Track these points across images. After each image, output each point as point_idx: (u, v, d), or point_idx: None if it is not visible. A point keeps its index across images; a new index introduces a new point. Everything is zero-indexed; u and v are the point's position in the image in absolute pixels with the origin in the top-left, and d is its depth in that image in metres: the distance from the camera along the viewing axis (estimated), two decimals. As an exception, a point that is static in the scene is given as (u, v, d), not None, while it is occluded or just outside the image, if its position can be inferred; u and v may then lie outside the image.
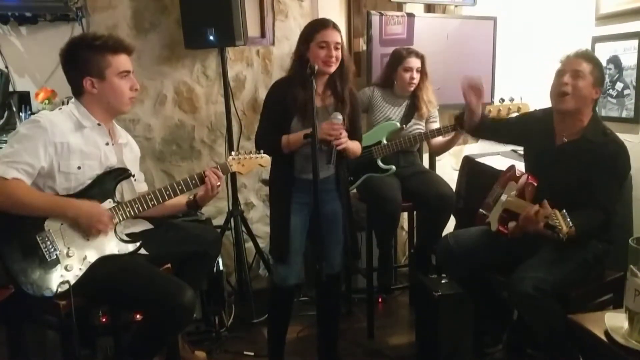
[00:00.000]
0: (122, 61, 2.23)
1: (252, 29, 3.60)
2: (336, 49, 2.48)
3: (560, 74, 2.43)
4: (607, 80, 3.12)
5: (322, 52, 2.47)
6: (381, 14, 3.64)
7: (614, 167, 2.34)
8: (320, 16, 3.69)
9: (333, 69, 2.51)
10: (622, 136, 2.95)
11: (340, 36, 2.52)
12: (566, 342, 2.22)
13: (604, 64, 3.12)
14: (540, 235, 2.30)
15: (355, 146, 2.64)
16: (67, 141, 2.12)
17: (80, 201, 2.13)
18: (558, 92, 2.42)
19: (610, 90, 3.12)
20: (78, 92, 2.23)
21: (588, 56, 2.43)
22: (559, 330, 2.22)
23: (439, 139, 3.29)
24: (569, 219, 2.11)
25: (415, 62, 3.18)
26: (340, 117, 2.45)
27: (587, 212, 2.27)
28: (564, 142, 2.47)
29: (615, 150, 2.35)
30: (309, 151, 2.36)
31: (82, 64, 2.18)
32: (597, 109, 3.15)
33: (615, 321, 1.95)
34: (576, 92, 2.38)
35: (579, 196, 2.28)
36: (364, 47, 3.79)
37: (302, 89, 2.46)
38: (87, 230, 2.13)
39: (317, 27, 2.52)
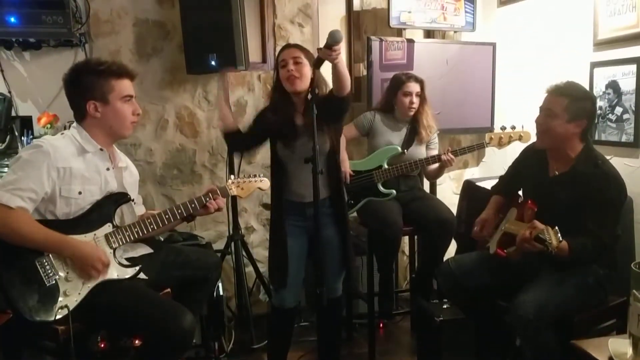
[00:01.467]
0: (126, 86, 2.25)
1: (254, 54, 3.63)
2: (296, 63, 2.50)
3: (540, 110, 2.46)
4: (606, 104, 3.14)
5: (283, 71, 2.53)
6: (381, 40, 3.68)
7: (605, 200, 2.32)
8: (322, 42, 3.72)
9: (299, 85, 2.50)
10: (621, 160, 2.98)
11: (301, 52, 2.54)
12: None
13: (602, 88, 3.15)
14: (534, 253, 2.29)
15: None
16: (70, 166, 2.13)
17: (82, 242, 2.12)
18: (536, 130, 2.47)
19: (610, 115, 3.13)
20: (80, 116, 2.24)
21: (562, 91, 2.40)
22: (556, 358, 2.20)
23: (432, 166, 3.30)
24: (559, 235, 2.13)
25: (414, 87, 3.20)
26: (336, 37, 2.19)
27: (583, 238, 2.28)
28: (555, 175, 2.48)
29: (605, 182, 2.32)
30: (302, 174, 2.37)
31: (86, 88, 2.20)
32: (596, 133, 3.18)
33: (619, 347, 1.93)
34: (549, 132, 2.39)
35: (573, 227, 2.28)
36: (364, 72, 3.82)
37: (273, 113, 2.55)
38: (79, 271, 2.11)
39: (279, 53, 2.62)
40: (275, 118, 2.53)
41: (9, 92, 3.26)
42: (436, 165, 3.25)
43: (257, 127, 2.63)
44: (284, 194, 2.59)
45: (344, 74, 2.35)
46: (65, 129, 3.07)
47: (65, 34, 3.17)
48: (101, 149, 2.24)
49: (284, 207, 2.59)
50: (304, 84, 2.48)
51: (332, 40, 2.12)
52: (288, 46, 2.63)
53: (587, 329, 2.37)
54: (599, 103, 3.16)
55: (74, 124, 2.27)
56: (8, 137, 3.14)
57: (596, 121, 3.19)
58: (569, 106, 2.36)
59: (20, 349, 2.33)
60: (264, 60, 3.78)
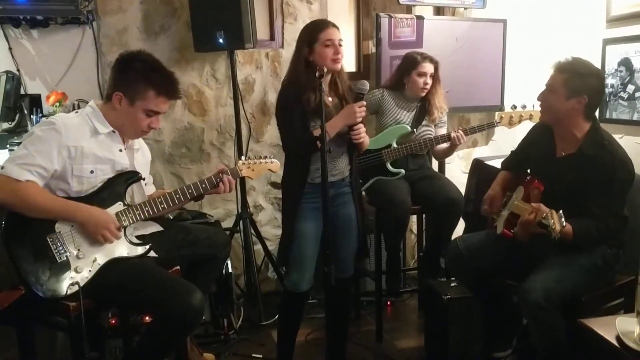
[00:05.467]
0: (159, 103, 2.22)
1: (262, 32, 3.61)
2: (340, 45, 2.50)
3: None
4: (617, 82, 3.10)
5: (329, 50, 2.47)
6: (390, 17, 3.64)
7: (611, 181, 2.29)
8: (330, 18, 3.71)
9: (340, 66, 2.52)
10: (633, 139, 2.95)
11: (340, 34, 2.54)
12: (568, 353, 2.21)
13: (614, 66, 3.11)
14: (536, 238, 2.29)
15: (367, 140, 2.64)
16: (81, 145, 2.13)
17: (91, 207, 2.14)
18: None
19: (622, 93, 3.10)
20: (107, 97, 2.25)
21: (561, 67, 2.38)
22: (562, 342, 2.22)
23: (441, 146, 3.28)
24: (563, 219, 2.12)
25: (429, 68, 3.17)
26: (366, 86, 2.47)
27: (587, 222, 2.27)
28: (562, 156, 2.46)
29: (611, 164, 2.29)
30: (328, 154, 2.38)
31: (125, 80, 2.19)
32: (607, 111, 3.16)
33: (627, 326, 1.93)
34: (549, 108, 2.39)
35: (579, 208, 2.27)
36: (373, 50, 3.79)
37: (312, 92, 2.44)
38: (93, 236, 2.13)
39: (318, 28, 2.52)
40: (314, 98, 2.43)
41: (18, 70, 3.26)
42: (445, 144, 3.24)
43: (305, 113, 2.48)
44: (307, 176, 2.52)
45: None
46: (74, 107, 3.09)
47: (72, 12, 3.15)
48: (113, 131, 2.24)
49: (304, 189, 2.54)
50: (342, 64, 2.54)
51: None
52: (329, 25, 2.53)
53: (594, 308, 2.37)
54: (611, 81, 3.13)
55: (90, 103, 2.27)
56: (17, 115, 3.16)
57: (607, 99, 3.16)
58: (568, 82, 2.34)
59: (32, 324, 2.37)
60: (272, 38, 3.75)
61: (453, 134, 3.14)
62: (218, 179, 2.36)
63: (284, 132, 2.59)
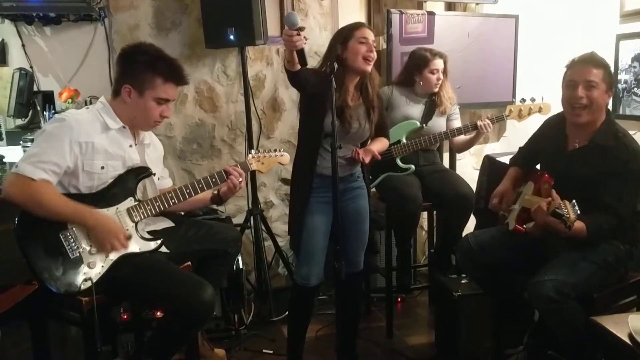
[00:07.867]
0: (167, 89, 2.23)
1: (272, 28, 3.60)
2: (374, 47, 2.51)
3: (571, 85, 2.36)
4: (631, 78, 3.08)
5: (362, 47, 2.47)
6: (401, 13, 3.63)
7: (625, 173, 2.28)
8: (340, 15, 3.73)
9: (370, 67, 2.51)
10: (647, 135, 2.92)
11: (374, 36, 2.55)
12: (588, 344, 2.19)
13: (628, 62, 3.08)
14: (549, 230, 2.27)
15: (381, 144, 2.72)
16: (92, 141, 2.14)
17: (103, 215, 2.15)
18: (573, 106, 2.36)
19: (635, 89, 3.07)
20: (115, 93, 2.26)
21: (596, 61, 2.35)
22: (581, 332, 2.19)
23: (460, 137, 3.28)
24: (577, 208, 2.10)
25: (440, 64, 3.18)
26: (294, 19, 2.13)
27: (600, 215, 2.25)
28: (575, 148, 2.44)
29: (625, 155, 2.28)
30: (342, 150, 2.39)
31: (131, 72, 2.20)
32: (621, 107, 3.13)
33: (639, 323, 1.92)
34: (593, 104, 2.33)
35: (590, 202, 2.25)
36: (384, 46, 3.78)
37: (336, 90, 2.37)
38: (102, 243, 2.13)
39: (355, 26, 2.54)
40: (337, 96, 2.38)
41: (31, 67, 3.29)
42: (464, 136, 3.25)
43: (325, 105, 2.40)
44: (317, 168, 2.54)
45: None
46: (86, 104, 3.11)
47: (85, 9, 3.18)
48: (124, 127, 2.25)
49: (312, 182, 2.55)
50: (371, 66, 2.52)
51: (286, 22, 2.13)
52: (366, 26, 2.56)
53: (606, 306, 2.36)
54: (625, 77, 3.11)
55: (101, 99, 2.28)
56: (30, 111, 3.19)
57: (621, 95, 3.14)
58: (605, 76, 2.33)
59: (45, 319, 2.39)
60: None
61: (480, 122, 3.13)
62: (227, 172, 2.37)
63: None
